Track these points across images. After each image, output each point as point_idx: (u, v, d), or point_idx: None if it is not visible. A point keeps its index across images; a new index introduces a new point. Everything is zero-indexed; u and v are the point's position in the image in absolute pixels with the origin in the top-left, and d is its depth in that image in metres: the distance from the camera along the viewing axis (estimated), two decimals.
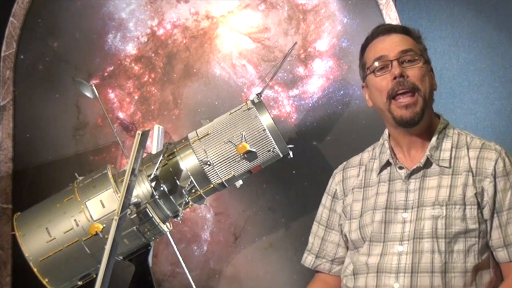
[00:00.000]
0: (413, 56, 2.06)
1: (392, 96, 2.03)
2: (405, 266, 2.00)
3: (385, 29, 2.11)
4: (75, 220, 2.54)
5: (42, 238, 2.54)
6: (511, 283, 2.02)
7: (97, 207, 2.54)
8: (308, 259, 2.31)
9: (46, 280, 2.56)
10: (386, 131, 2.19)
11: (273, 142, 2.56)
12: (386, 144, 2.15)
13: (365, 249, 2.10)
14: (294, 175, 3.20)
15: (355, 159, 2.27)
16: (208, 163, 2.57)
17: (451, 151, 2.08)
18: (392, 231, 2.05)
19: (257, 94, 2.62)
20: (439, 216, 2.00)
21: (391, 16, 3.13)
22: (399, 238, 2.04)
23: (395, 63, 2.04)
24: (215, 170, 2.58)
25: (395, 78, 2.03)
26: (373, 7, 3.18)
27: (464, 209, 2.00)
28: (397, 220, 2.05)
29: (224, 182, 2.62)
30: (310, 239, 2.31)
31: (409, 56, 2.06)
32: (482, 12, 3.13)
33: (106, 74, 3.33)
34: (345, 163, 2.30)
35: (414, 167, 2.07)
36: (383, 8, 3.15)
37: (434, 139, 2.08)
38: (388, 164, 2.13)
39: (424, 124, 2.07)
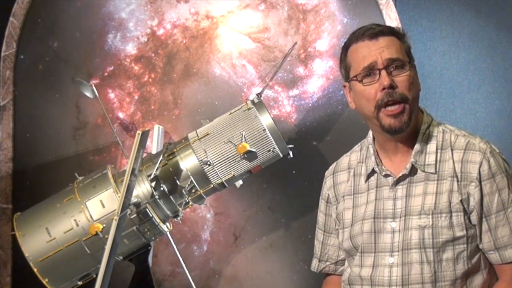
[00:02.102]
0: (401, 63, 2.01)
1: (381, 106, 1.99)
2: (396, 278, 2.00)
3: (372, 34, 2.03)
4: (75, 220, 2.54)
5: (42, 238, 2.54)
6: (504, 286, 2.01)
7: (97, 207, 2.54)
8: (312, 263, 2.32)
9: (46, 280, 2.56)
10: (370, 133, 2.15)
11: (273, 142, 2.56)
12: (371, 149, 2.12)
13: (357, 261, 2.09)
14: (294, 175, 3.20)
15: (344, 162, 2.24)
16: (208, 163, 2.57)
17: (436, 153, 2.04)
18: (382, 241, 2.04)
19: (257, 94, 2.62)
20: (425, 226, 1.98)
21: (391, 16, 3.13)
22: (389, 249, 2.02)
23: (383, 72, 1.98)
24: (215, 170, 2.58)
25: (383, 89, 1.98)
26: (373, 7, 3.17)
27: (451, 216, 1.98)
28: (386, 230, 2.04)
29: (224, 182, 2.62)
30: (315, 243, 2.32)
31: (398, 63, 2.00)
32: (482, 12, 3.13)
33: (106, 74, 3.33)
34: (334, 165, 2.27)
35: (400, 174, 2.04)
36: (383, 8, 3.15)
37: (418, 143, 2.05)
38: (374, 171, 2.11)
39: (411, 128, 2.04)
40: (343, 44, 2.14)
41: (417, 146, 2.04)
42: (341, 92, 3.21)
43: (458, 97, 3.14)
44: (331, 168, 2.28)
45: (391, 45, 2.02)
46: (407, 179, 2.04)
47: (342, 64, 2.11)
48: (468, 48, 3.15)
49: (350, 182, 2.17)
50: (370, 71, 2.00)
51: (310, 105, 3.23)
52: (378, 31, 2.03)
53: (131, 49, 3.33)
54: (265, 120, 2.56)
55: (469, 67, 3.15)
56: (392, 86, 1.98)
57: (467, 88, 3.15)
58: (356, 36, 2.06)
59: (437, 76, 3.15)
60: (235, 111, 2.62)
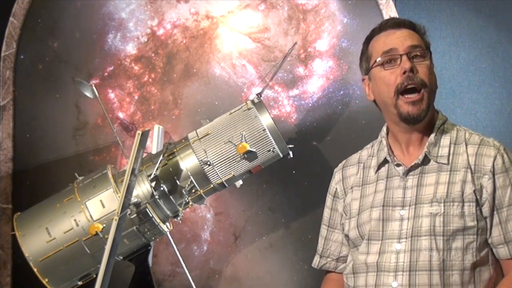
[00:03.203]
0: (422, 52, 2.05)
1: (400, 91, 2.02)
2: (403, 264, 2.00)
3: (395, 23, 2.09)
4: (75, 220, 2.54)
5: (42, 238, 2.54)
6: None
7: (97, 207, 2.54)
8: (314, 260, 2.33)
9: (46, 280, 2.56)
10: (384, 128, 2.18)
11: (273, 142, 2.56)
12: (384, 142, 2.14)
13: (363, 248, 2.10)
14: (294, 175, 3.20)
15: (354, 157, 2.27)
16: (208, 163, 2.57)
17: (450, 147, 2.07)
18: (390, 228, 2.05)
19: (257, 94, 2.62)
20: (437, 214, 2.00)
21: (391, 16, 3.13)
22: (397, 235, 2.03)
23: (404, 57, 2.03)
24: (215, 170, 2.58)
25: (404, 72, 2.01)
26: (373, 7, 3.18)
27: (463, 206, 2.00)
28: (395, 218, 2.05)
29: (224, 182, 2.62)
30: (318, 239, 2.33)
31: (418, 52, 2.05)
32: (482, 12, 3.13)
33: (106, 74, 3.33)
34: (344, 161, 2.30)
35: (412, 163, 2.06)
36: (383, 8, 3.15)
37: (432, 135, 2.08)
38: (385, 161, 2.12)
39: (426, 121, 2.07)
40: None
41: (431, 138, 2.07)
42: (341, 92, 3.21)
43: (458, 97, 3.14)
44: (340, 164, 2.30)
45: (412, 35, 2.08)
46: (419, 168, 2.06)
47: (363, 57, 2.15)
48: (468, 48, 3.15)
49: (359, 174, 2.19)
50: (391, 57, 2.04)
51: (310, 105, 3.23)
52: (401, 21, 2.11)
53: (131, 49, 3.33)
54: (265, 120, 2.56)
55: (469, 67, 3.15)
56: (412, 70, 2.02)
57: (467, 88, 3.15)
58: (378, 28, 2.12)
59: (437, 76, 3.10)
60: (235, 111, 2.62)
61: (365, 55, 2.14)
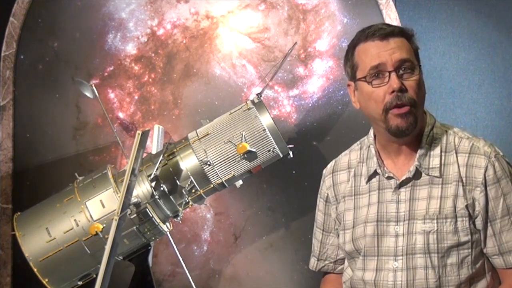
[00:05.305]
0: (411, 66, 1.97)
1: (389, 109, 1.96)
2: (401, 283, 1.99)
3: (382, 35, 1.97)
4: (75, 220, 2.54)
5: (42, 238, 2.54)
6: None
7: (97, 207, 2.54)
8: (311, 262, 2.31)
9: (46, 280, 2.56)
10: (371, 132, 2.11)
11: (273, 142, 2.56)
12: (373, 150, 2.08)
13: (360, 264, 2.08)
14: (294, 175, 3.20)
15: (343, 161, 2.20)
16: (208, 163, 2.57)
17: (440, 156, 2.01)
18: (385, 245, 2.02)
19: (257, 94, 2.62)
20: (430, 231, 1.97)
21: (391, 16, 3.13)
22: (393, 252, 2.01)
23: (393, 75, 1.94)
24: (215, 170, 2.58)
25: (393, 91, 1.94)
26: (373, 7, 3.17)
27: (456, 222, 1.97)
28: (390, 234, 2.02)
29: (224, 182, 2.62)
30: (313, 241, 2.31)
31: (408, 65, 1.97)
32: (482, 12, 3.13)
33: (106, 74, 3.33)
34: (333, 163, 2.24)
35: (404, 177, 2.02)
36: (383, 8, 3.15)
37: (422, 145, 2.02)
38: (376, 173, 2.08)
39: (414, 132, 2.01)
40: (349, 42, 2.06)
41: (421, 149, 2.02)
42: (341, 92, 3.21)
43: (458, 97, 3.14)
44: (329, 166, 2.25)
45: (402, 46, 1.98)
46: (411, 182, 2.02)
47: (348, 62, 2.06)
48: (468, 48, 3.15)
49: (351, 183, 2.14)
50: (379, 72, 1.96)
51: (310, 105, 3.23)
52: (389, 31, 1.99)
53: (131, 49, 3.33)
54: (265, 120, 2.56)
55: (469, 67, 3.15)
56: (401, 90, 1.94)
57: (467, 88, 3.15)
58: (365, 35, 2.00)
59: (437, 76, 3.15)
60: (235, 111, 2.62)
61: (350, 61, 2.05)
